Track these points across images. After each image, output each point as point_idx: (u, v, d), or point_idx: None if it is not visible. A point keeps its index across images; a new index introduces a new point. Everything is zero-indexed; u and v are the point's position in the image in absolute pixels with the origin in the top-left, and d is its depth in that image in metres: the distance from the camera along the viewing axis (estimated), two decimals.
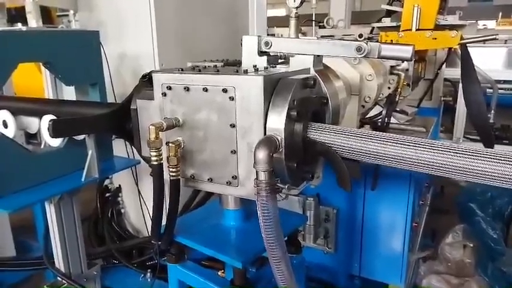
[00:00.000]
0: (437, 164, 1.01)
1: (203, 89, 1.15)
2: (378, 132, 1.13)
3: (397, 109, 3.23)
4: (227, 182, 1.19)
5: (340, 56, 1.42)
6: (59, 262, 2.12)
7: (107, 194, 3.18)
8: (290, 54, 1.51)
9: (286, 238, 1.47)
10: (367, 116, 2.83)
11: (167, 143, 1.21)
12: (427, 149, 1.02)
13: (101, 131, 1.46)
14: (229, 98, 1.12)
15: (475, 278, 2.98)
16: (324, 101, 1.30)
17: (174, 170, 1.20)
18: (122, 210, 3.23)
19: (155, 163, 1.17)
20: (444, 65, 4.15)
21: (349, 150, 1.13)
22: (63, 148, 1.99)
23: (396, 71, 2.89)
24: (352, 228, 2.33)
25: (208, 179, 1.22)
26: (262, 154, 1.02)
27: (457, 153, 0.99)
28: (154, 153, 1.15)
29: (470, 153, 0.98)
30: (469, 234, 3.30)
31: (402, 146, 1.05)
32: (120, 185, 3.17)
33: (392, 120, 3.21)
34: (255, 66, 1.36)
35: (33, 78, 2.82)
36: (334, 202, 2.24)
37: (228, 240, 1.37)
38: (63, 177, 2.02)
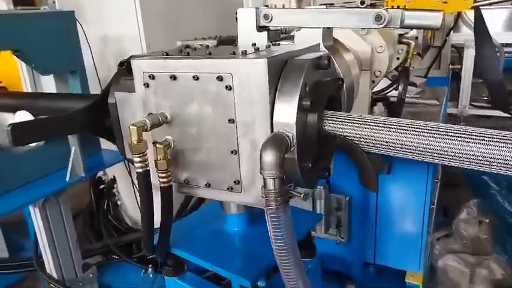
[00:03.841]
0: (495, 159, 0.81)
1: (193, 77, 0.93)
2: (407, 120, 0.92)
3: None
4: (228, 188, 0.99)
5: (355, 27, 1.20)
6: (50, 267, 1.96)
7: (101, 186, 3.00)
8: (295, 28, 1.28)
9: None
10: (373, 91, 2.62)
11: (154, 143, 1.01)
12: (480, 141, 0.81)
13: (74, 131, 1.25)
14: (226, 87, 0.91)
15: (493, 257, 2.84)
16: (340, 83, 1.08)
17: (164, 175, 1.00)
18: (118, 202, 3.06)
19: (140, 170, 0.96)
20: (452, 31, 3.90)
21: (374, 142, 0.93)
22: (45, 145, 1.79)
23: (405, 40, 2.65)
24: (365, 215, 2.16)
25: (205, 185, 1.02)
26: (270, 157, 0.81)
27: None
28: (138, 159, 0.95)
29: None
30: (484, 209, 3.14)
31: (445, 137, 0.85)
32: (114, 176, 2.99)
33: None
34: (254, 45, 1.14)
35: (10, 66, 2.58)
36: (345, 189, 2.05)
37: (233, 251, 1.19)
38: (47, 177, 1.83)
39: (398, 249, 2.22)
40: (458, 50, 5.18)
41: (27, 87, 2.21)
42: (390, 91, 2.62)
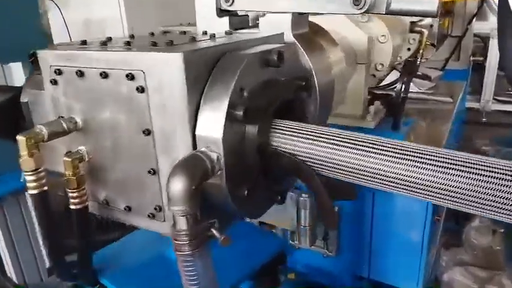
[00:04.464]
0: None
1: (101, 74, 0.73)
2: (380, 138, 0.69)
3: (419, 73, 2.72)
4: (149, 215, 0.79)
5: (329, 12, 0.97)
6: (10, 270, 1.82)
7: None
8: (259, 13, 1.06)
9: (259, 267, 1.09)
10: (382, 84, 2.36)
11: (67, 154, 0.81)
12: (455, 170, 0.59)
13: None
14: (137, 88, 0.69)
15: (506, 272, 2.57)
16: (302, 84, 0.85)
17: (75, 194, 0.81)
18: None
19: (34, 192, 0.77)
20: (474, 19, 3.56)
21: (331, 165, 0.71)
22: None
23: (418, 28, 2.38)
24: (359, 227, 1.93)
25: (125, 208, 0.82)
26: (179, 188, 0.61)
27: None
28: (31, 177, 0.75)
29: None
30: None
31: (420, 164, 0.63)
32: None
33: (413, 87, 2.72)
34: (204, 33, 0.94)
35: None
36: None
37: (173, 284, 0.98)
38: (4, 176, 1.67)
39: (395, 265, 1.99)
40: (484, 39, 4.80)
41: None
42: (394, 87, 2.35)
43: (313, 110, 1.03)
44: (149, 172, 0.74)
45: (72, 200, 0.82)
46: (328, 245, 1.90)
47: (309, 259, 1.93)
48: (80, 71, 0.75)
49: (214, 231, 0.65)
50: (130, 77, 0.69)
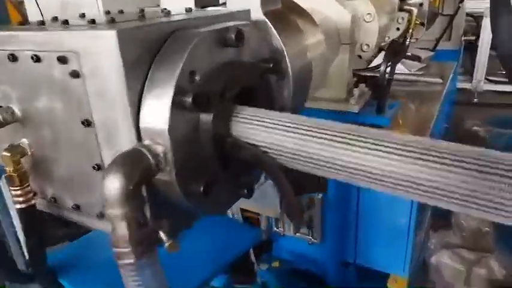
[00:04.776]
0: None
1: (32, 57, 0.64)
2: (346, 125, 0.61)
3: (408, 53, 2.64)
4: (98, 214, 0.71)
5: None
6: None
7: None
8: None
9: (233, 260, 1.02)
10: (371, 66, 2.27)
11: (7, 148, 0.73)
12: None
13: None
14: (71, 73, 0.61)
15: (494, 255, 2.54)
16: (269, 67, 0.77)
17: (18, 193, 0.73)
18: None
19: None
20: None
21: (296, 156, 0.63)
22: None
23: (407, 7, 2.29)
24: (344, 213, 1.87)
25: (73, 206, 0.74)
26: (114, 188, 0.53)
27: None
28: None
29: None
30: None
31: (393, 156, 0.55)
32: None
33: (402, 69, 2.64)
34: (163, 10, 0.84)
35: None
36: None
37: None
38: None
39: (382, 250, 1.94)
40: (476, 19, 4.70)
41: None
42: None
43: (287, 95, 0.95)
44: (94, 168, 0.66)
45: (15, 199, 0.74)
46: (313, 231, 1.85)
47: (294, 246, 1.88)
48: (12, 54, 0.66)
49: (162, 235, 0.57)
50: (63, 60, 0.60)
